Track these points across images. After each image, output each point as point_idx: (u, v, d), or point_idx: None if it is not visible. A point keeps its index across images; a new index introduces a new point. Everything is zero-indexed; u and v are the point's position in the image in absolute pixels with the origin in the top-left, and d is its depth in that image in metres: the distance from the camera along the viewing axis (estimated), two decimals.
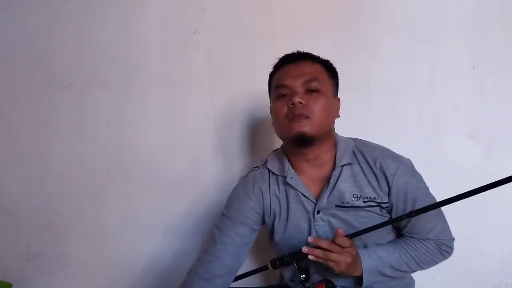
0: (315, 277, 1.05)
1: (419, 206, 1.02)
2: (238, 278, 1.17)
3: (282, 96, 1.07)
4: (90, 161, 1.67)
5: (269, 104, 1.17)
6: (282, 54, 1.54)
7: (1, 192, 1.73)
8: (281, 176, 1.12)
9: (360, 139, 1.14)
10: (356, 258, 0.99)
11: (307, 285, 1.01)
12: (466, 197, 0.90)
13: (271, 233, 1.15)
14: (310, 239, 0.95)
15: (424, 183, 1.09)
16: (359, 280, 1.04)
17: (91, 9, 1.67)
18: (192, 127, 1.61)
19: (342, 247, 0.95)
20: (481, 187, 0.89)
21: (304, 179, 1.10)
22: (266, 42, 1.56)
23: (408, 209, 1.03)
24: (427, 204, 1.02)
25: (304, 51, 1.13)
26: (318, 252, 0.94)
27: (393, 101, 1.43)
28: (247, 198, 1.13)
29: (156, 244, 1.65)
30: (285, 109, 1.05)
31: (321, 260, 0.95)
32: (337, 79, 1.15)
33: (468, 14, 1.45)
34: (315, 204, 1.07)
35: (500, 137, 1.44)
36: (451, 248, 1.09)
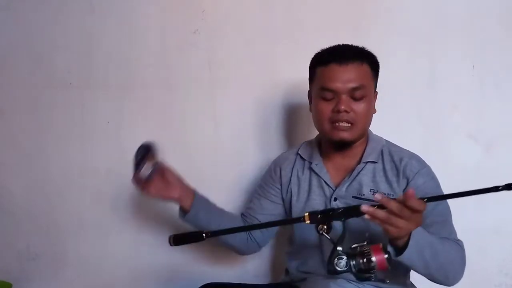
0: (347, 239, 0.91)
1: (431, 208, 1.02)
2: (273, 224, 1.19)
3: (328, 99, 1.08)
4: (90, 161, 1.67)
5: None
6: (282, 54, 1.56)
7: (1, 192, 1.73)
8: (308, 161, 1.19)
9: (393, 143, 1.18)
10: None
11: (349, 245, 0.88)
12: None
13: (289, 214, 1.21)
14: (377, 197, 0.84)
15: (442, 192, 1.09)
16: (396, 250, 0.91)
17: (91, 9, 1.66)
18: (192, 127, 1.61)
19: (415, 210, 0.83)
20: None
21: (329, 166, 1.16)
22: (266, 42, 1.56)
23: None
24: (439, 209, 1.05)
25: (352, 48, 1.11)
26: (381, 214, 0.82)
27: (393, 101, 1.43)
28: (269, 176, 1.26)
29: (156, 244, 1.64)
30: (329, 112, 1.08)
31: (378, 222, 0.83)
32: (378, 73, 1.16)
33: (468, 14, 1.45)
34: (334, 191, 1.12)
35: (500, 137, 1.44)
36: (465, 258, 1.07)
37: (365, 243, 0.84)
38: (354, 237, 0.88)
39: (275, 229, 1.29)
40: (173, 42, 1.62)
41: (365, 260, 0.78)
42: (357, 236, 0.89)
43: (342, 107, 1.05)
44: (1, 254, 1.73)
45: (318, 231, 0.87)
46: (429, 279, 1.02)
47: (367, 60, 1.11)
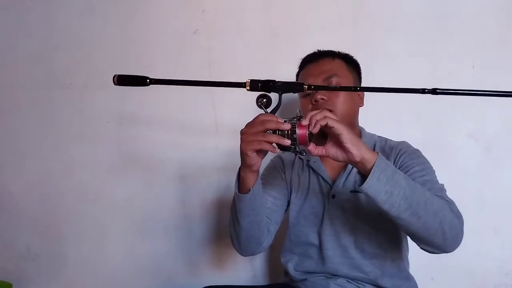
0: None
1: (407, 172, 1.03)
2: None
3: (307, 94, 1.13)
4: (90, 161, 1.67)
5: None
6: (282, 54, 1.56)
7: (1, 192, 1.73)
8: (306, 160, 1.21)
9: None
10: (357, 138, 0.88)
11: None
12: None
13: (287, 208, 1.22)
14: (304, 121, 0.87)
15: (430, 167, 1.09)
16: (362, 176, 0.89)
17: (91, 9, 1.67)
18: (192, 127, 1.61)
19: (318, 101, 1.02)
20: None
21: (326, 165, 1.18)
22: (266, 42, 1.56)
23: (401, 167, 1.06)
24: (418, 175, 1.04)
25: (324, 49, 1.20)
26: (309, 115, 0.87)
27: (393, 101, 1.43)
28: (274, 168, 1.25)
29: (156, 244, 1.65)
30: (310, 106, 1.12)
31: (315, 119, 0.86)
32: (359, 70, 1.22)
33: (468, 14, 1.45)
34: (331, 188, 1.14)
35: (500, 137, 1.44)
36: (461, 215, 0.96)
37: (296, 117, 0.89)
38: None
39: (280, 216, 1.19)
40: (173, 42, 1.62)
41: (290, 132, 0.86)
42: None
43: (319, 96, 1.09)
44: (1, 254, 1.73)
45: (257, 103, 0.95)
46: (423, 234, 0.90)
47: (339, 56, 1.17)
